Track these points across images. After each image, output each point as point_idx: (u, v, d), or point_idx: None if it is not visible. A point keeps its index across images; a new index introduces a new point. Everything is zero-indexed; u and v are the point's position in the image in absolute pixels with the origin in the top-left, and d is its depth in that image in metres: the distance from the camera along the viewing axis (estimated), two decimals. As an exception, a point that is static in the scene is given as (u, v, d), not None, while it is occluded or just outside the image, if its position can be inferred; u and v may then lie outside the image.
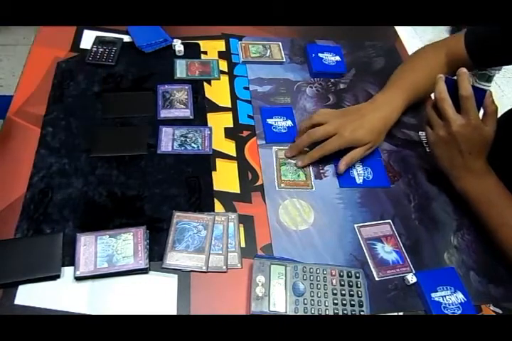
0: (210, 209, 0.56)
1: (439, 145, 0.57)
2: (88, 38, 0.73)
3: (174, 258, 0.50)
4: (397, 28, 0.84)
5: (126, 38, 0.74)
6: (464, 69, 0.53)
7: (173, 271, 0.50)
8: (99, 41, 0.72)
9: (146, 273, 0.49)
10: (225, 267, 0.51)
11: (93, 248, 0.49)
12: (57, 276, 0.47)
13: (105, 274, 0.48)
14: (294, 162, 0.62)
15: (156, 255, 0.51)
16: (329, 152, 0.59)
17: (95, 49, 0.71)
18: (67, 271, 0.48)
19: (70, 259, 0.48)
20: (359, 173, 0.62)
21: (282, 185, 0.59)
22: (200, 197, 0.57)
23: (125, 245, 0.50)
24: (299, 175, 0.61)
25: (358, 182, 0.61)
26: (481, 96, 0.53)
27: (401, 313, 0.49)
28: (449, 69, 0.67)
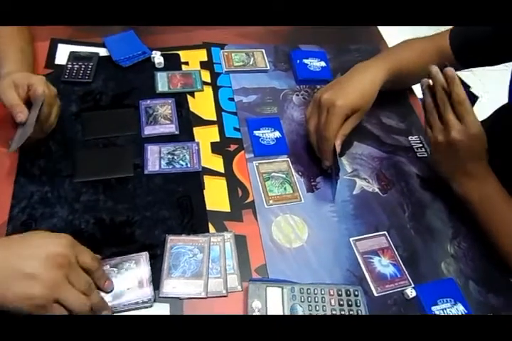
0: (205, 229, 0.54)
1: (438, 150, 0.55)
2: (63, 53, 0.70)
3: (171, 285, 0.49)
4: (381, 29, 0.83)
5: (102, 52, 0.71)
6: (451, 72, 0.51)
7: (164, 299, 0.48)
8: (73, 57, 0.68)
9: (152, 305, 0.47)
10: (225, 291, 0.49)
11: None
12: None
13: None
14: (277, 175, 0.61)
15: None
16: (333, 130, 0.56)
17: (70, 66, 0.67)
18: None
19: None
20: None
21: (271, 201, 0.58)
22: (193, 217, 0.55)
23: (128, 275, 0.48)
24: (285, 188, 0.59)
25: None
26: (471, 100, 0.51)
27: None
28: (436, 59, 0.64)
